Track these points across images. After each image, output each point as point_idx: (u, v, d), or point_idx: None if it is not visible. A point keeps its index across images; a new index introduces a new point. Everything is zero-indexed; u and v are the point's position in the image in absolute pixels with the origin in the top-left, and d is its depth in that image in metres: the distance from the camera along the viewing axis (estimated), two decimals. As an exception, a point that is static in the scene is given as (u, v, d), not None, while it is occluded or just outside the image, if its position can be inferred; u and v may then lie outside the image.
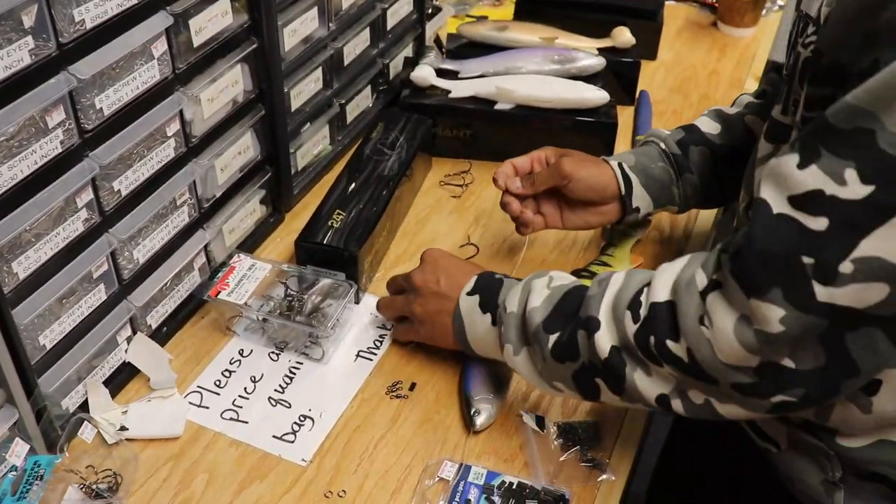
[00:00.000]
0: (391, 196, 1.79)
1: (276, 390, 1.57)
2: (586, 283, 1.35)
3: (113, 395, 1.54)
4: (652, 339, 1.17)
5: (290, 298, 1.62)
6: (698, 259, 1.19)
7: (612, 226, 1.82)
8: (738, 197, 1.50)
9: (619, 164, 1.65)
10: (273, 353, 1.65)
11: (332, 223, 1.69)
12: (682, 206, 1.71)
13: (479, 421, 1.49)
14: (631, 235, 1.85)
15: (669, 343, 1.15)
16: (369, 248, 1.70)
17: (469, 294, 1.46)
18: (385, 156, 1.84)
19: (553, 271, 1.42)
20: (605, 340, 1.22)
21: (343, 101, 2.01)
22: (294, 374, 1.60)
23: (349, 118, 2.06)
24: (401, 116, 1.99)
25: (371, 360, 1.64)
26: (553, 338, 1.29)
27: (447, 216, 1.95)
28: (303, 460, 1.45)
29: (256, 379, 1.60)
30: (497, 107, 2.02)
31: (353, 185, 1.79)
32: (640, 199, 1.66)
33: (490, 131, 2.03)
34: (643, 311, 1.17)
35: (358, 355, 1.65)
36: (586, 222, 1.67)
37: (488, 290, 1.44)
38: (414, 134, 1.95)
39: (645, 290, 1.21)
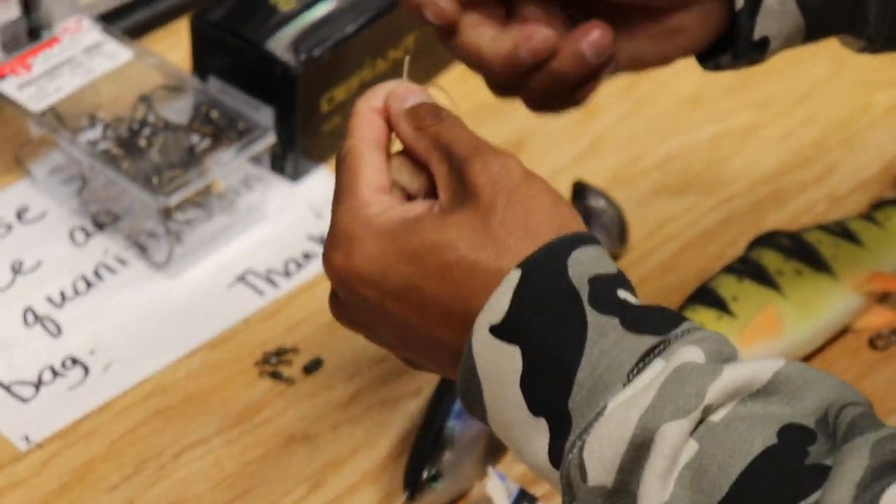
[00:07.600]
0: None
1: (49, 299, 1.12)
2: None
3: None
4: None
5: (149, 129, 1.12)
6: None
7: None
8: None
9: None
10: (82, 229, 1.17)
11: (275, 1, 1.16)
12: (874, 38, 0.86)
13: (437, 488, 1.01)
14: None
15: None
16: (339, 67, 1.16)
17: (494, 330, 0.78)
18: None
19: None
20: None
21: None
22: (99, 279, 1.12)
23: None
24: None
25: (262, 294, 1.13)
26: None
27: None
28: (25, 440, 1.05)
29: (22, 268, 1.13)
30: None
31: None
32: (774, 16, 0.82)
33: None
34: None
35: (243, 279, 1.12)
36: (637, 55, 0.85)
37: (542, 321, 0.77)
38: None
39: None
